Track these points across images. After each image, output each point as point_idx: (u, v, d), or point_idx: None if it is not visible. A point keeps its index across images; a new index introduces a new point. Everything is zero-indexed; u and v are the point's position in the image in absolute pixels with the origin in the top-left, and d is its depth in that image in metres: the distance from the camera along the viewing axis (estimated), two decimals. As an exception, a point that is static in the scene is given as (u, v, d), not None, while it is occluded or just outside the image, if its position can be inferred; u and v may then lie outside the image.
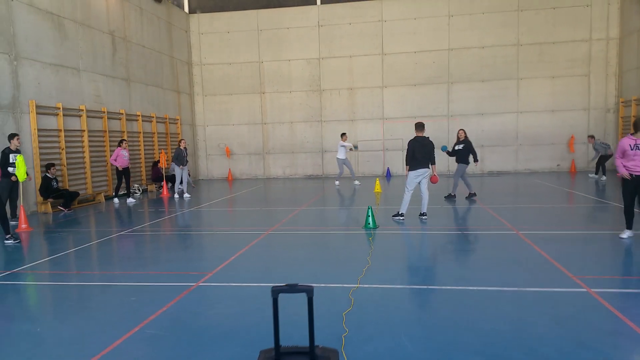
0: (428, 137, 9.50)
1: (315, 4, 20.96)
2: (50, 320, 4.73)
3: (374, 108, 20.93)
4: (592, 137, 17.35)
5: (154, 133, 18.30)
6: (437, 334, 4.03)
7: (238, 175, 22.07)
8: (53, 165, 12.40)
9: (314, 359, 2.11)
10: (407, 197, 9.41)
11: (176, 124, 20.30)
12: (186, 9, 21.93)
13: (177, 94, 20.61)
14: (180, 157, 14.84)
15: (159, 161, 17.14)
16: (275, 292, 2.19)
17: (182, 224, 10.52)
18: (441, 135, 19.41)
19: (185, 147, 15.26)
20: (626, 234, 7.32)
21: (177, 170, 15.07)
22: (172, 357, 3.74)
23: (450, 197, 12.26)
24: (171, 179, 16.99)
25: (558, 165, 19.81)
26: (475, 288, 5.20)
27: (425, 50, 20.25)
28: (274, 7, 21.25)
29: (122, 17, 16.59)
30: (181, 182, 14.98)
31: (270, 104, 21.63)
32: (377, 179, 15.99)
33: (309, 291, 2.13)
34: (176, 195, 15.01)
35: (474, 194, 12.21)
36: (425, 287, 5.37)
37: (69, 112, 13.65)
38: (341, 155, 16.64)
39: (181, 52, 21.14)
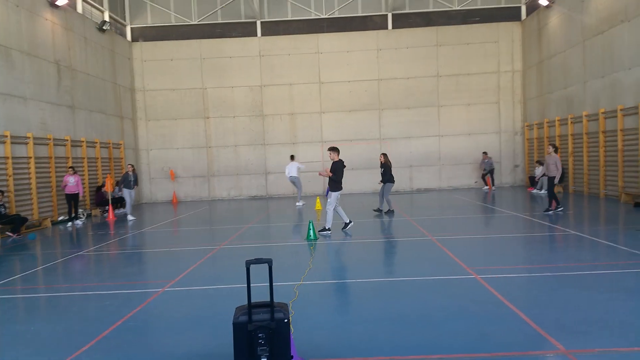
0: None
1: (256, 35, 22.41)
2: (40, 323, 5.59)
3: (314, 132, 22.50)
4: (485, 153, 20.79)
5: (98, 158, 18.72)
6: (363, 309, 5.37)
7: (183, 198, 22.71)
8: (1, 192, 12.73)
9: (273, 307, 3.34)
10: (332, 214, 10.61)
11: (119, 148, 20.76)
12: (129, 37, 22.62)
13: (120, 119, 21.13)
14: (126, 181, 15.55)
15: (103, 185, 17.58)
16: (248, 263, 3.41)
17: (136, 244, 11.30)
18: (374, 156, 21.20)
19: (132, 171, 15.89)
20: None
21: (126, 193, 15.69)
22: (158, 341, 4.79)
23: (389, 212, 13.79)
24: (117, 202, 17.51)
25: (475, 182, 22.19)
26: (394, 279, 6.63)
27: (358, 80, 22.19)
28: (216, 38, 22.46)
29: (67, 47, 17.12)
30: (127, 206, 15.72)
31: (215, 128, 22.63)
32: (318, 197, 17.39)
33: (269, 261, 3.37)
34: (130, 217, 15.54)
35: (385, 211, 13.84)
36: (356, 280, 6.73)
37: (16, 140, 14.00)
38: (295, 173, 17.48)
39: (124, 79, 21.74)
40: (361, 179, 21.81)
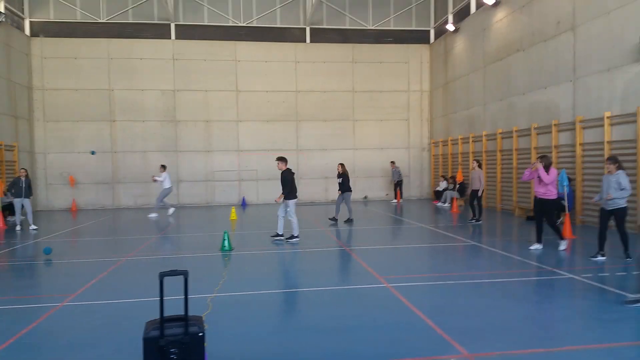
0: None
1: (170, 38, 21.66)
2: None
3: (230, 140, 22.11)
4: (393, 162, 22.05)
5: (-13, 160, 16.90)
6: (278, 320, 5.33)
7: (83, 206, 21.15)
8: None
9: (187, 321, 3.20)
10: (296, 220, 10.76)
11: (12, 151, 18.90)
12: (27, 32, 20.80)
13: (14, 119, 19.27)
14: (15, 187, 14.06)
15: (-8, 191, 15.86)
16: (161, 275, 3.24)
17: (29, 255, 10.30)
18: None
19: (25, 177, 14.41)
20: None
21: (16, 201, 14.22)
22: (60, 357, 4.39)
23: (349, 221, 13.97)
24: (7, 209, 15.88)
25: (387, 194, 23.12)
26: (308, 289, 6.68)
27: (276, 90, 22.24)
28: (126, 38, 21.37)
29: (-48, 35, 15.34)
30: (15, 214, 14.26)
31: (122, 133, 21.41)
32: (233, 207, 17.06)
33: (185, 273, 3.23)
34: (17, 227, 14.15)
35: (345, 220, 14.06)
36: (270, 291, 6.68)
37: None
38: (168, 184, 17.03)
39: (21, 76, 19.91)
40: (277, 190, 21.75)
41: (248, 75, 22.05)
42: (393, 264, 8.56)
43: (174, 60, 21.61)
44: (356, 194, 22.92)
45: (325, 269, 8.23)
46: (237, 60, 22.00)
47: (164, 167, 17.45)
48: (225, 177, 22.13)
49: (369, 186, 23.04)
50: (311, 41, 22.60)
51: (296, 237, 10.75)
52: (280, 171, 10.92)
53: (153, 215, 16.92)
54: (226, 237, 9.84)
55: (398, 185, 21.67)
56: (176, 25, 21.79)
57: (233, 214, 16.05)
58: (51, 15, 21.09)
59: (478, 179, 13.54)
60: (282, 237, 10.97)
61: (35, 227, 14.06)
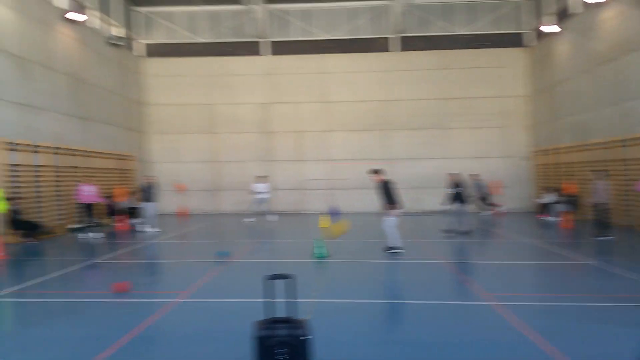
0: None
1: (263, 54, 22.88)
2: (60, 327, 5.68)
3: (320, 150, 22.73)
4: (474, 175, 19.43)
5: (109, 169, 18.92)
6: (379, 331, 5.44)
7: (190, 211, 22.81)
8: (16, 199, 12.90)
9: (295, 323, 3.44)
10: (397, 232, 10.34)
11: (130, 160, 20.98)
12: (140, 53, 23.05)
13: (131, 132, 21.41)
14: (145, 192, 15.38)
15: (112, 195, 17.69)
16: (268, 278, 3.52)
17: (148, 255, 11.39)
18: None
19: (149, 183, 15.59)
20: None
21: (146, 205, 15.43)
22: (174, 353, 4.88)
23: (466, 233, 13.31)
24: (129, 212, 17.54)
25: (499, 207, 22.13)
26: (406, 302, 6.72)
27: (365, 100, 22.51)
28: (224, 55, 22.91)
29: (81, 60, 17.47)
30: (143, 217, 15.41)
31: (223, 144, 22.90)
32: (324, 215, 17.43)
33: (291, 277, 3.48)
34: (150, 229, 15.14)
35: (463, 232, 13.28)
36: (370, 301, 6.81)
37: (30, 149, 14.19)
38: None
39: (135, 93, 22.11)
40: (367, 199, 21.84)
41: (336, 87, 22.61)
42: (500, 281, 8.07)
43: (267, 75, 22.77)
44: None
45: (426, 282, 8.02)
46: (325, 72, 22.64)
47: (260, 177, 18.38)
48: (317, 186, 22.71)
49: (463, 196, 22.29)
50: (399, 50, 22.58)
51: (398, 248, 10.34)
52: (380, 182, 10.34)
53: (272, 218, 18.28)
54: (320, 245, 10.12)
55: (484, 198, 19.93)
56: (268, 42, 22.97)
57: (325, 222, 16.40)
58: (160, 37, 23.20)
59: (604, 191, 12.21)
60: (396, 250, 10.40)
61: (155, 230, 15.21)
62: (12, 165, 13.32)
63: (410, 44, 22.62)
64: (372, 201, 21.61)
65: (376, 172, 10.55)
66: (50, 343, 5.15)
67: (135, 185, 20.71)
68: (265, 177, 18.70)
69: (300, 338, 3.39)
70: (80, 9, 17.67)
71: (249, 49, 23.03)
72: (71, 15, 16.64)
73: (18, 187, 13.54)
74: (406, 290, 7.62)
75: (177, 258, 10.80)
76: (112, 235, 15.04)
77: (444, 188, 13.93)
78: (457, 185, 13.49)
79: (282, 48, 22.98)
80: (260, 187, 18.43)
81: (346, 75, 22.55)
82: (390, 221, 10.33)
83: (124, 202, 17.16)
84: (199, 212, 22.86)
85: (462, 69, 22.19)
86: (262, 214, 18.68)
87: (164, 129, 23.02)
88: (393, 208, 10.26)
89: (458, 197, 13.40)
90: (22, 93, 14.11)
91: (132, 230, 15.79)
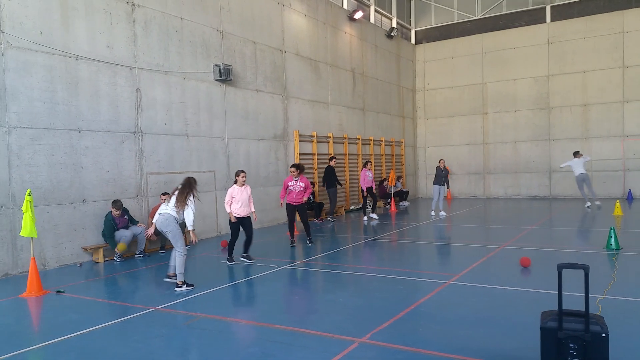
0: None
1: (545, 22, 20.59)
2: (346, 296, 6.50)
3: (612, 125, 19.33)
4: None
5: (382, 155, 20.48)
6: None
7: (457, 195, 22.77)
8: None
9: (589, 318, 3.04)
10: None
11: (400, 146, 22.23)
12: (413, 40, 23.92)
13: (402, 119, 22.58)
14: (437, 177, 15.42)
15: (386, 179, 19.10)
16: (560, 267, 3.20)
17: (415, 235, 11.95)
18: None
19: (443, 167, 15.54)
20: None
21: (435, 189, 15.56)
22: (450, 331, 4.98)
23: None
24: (398, 195, 18.73)
25: None
26: None
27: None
28: (499, 30, 21.62)
29: (360, 56, 19.27)
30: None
31: (493, 124, 21.88)
32: (617, 201, 14.85)
33: (585, 268, 3.08)
34: (432, 213, 15.48)
35: None
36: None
37: (320, 140, 16.55)
38: (579, 170, 15.52)
39: (407, 80, 23.12)
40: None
41: (637, 47, 18.63)
42: None
43: (549, 44, 20.44)
44: None
45: None
46: (624, 31, 18.90)
47: (575, 153, 16.18)
48: (606, 167, 19.46)
49: None
50: None
51: None
52: None
53: (592, 204, 15.86)
54: (613, 235, 8.69)
55: None
56: (552, 7, 20.54)
57: (617, 208, 13.96)
58: (432, 21, 23.53)
59: None
60: None
61: (444, 214, 15.32)
62: (303, 154, 15.70)
63: None
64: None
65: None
66: (337, 309, 5.92)
67: (404, 170, 21.92)
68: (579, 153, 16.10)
69: (595, 334, 2.98)
70: (362, 7, 19.41)
71: (527, 18, 21.16)
72: (355, 15, 18.51)
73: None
74: None
75: (450, 242, 10.94)
76: (383, 216, 16.26)
77: None
78: None
79: (566, 12, 20.30)
80: (578, 163, 15.65)
81: (648, 31, 18.43)
82: None
83: (394, 186, 18.29)
84: (469, 195, 22.53)
85: None
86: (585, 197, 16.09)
87: (433, 113, 23.44)
88: None
89: None
90: (314, 91, 16.49)
91: (401, 212, 16.70)
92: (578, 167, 15.68)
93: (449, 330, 4.90)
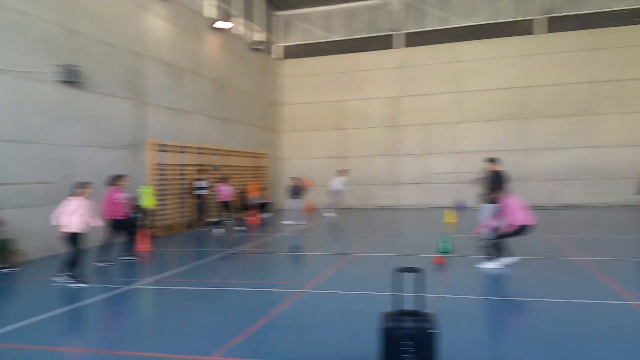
0: None
1: (395, 47, 22.78)
2: (198, 313, 6.35)
3: (449, 143, 22.04)
4: None
5: (245, 166, 20.46)
6: (506, 327, 5.16)
7: (318, 206, 23.67)
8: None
9: (422, 316, 3.43)
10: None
11: (264, 158, 22.44)
12: (279, 55, 24.51)
13: (266, 131, 22.91)
14: (292, 192, 16.55)
15: (246, 191, 19.01)
16: (397, 270, 3.56)
17: (280, 246, 12.16)
18: (517, 168, 19.83)
19: (296, 184, 16.69)
20: None
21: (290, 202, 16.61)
22: (301, 340, 5.17)
23: None
24: (260, 207, 18.81)
25: None
26: (534, 299, 6.26)
27: (500, 88, 21.25)
28: (357, 52, 23.31)
29: (225, 66, 19.10)
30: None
31: (351, 139, 23.41)
32: (448, 210, 16.74)
33: (420, 270, 3.48)
34: (290, 222, 16.17)
35: None
36: (496, 298, 6.47)
37: (179, 150, 15.90)
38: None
39: (272, 93, 23.61)
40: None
41: (471, 75, 21.69)
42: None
43: (399, 68, 22.62)
44: (593, 198, 20.17)
45: (557, 281, 7.49)
46: (459, 61, 21.81)
47: (342, 171, 18.89)
48: (443, 180, 22.06)
49: (609, 190, 19.95)
50: (543, 32, 20.89)
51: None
52: (493, 171, 9.98)
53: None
54: (446, 240, 9.86)
55: None
56: (401, 34, 22.83)
57: (449, 216, 15.85)
58: (297, 39, 24.40)
59: None
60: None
61: (301, 223, 16.00)
62: (161, 164, 14.92)
63: (558, 24, 20.79)
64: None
65: (492, 160, 10.27)
66: (190, 327, 5.76)
67: (267, 181, 22.14)
68: (346, 170, 19.14)
69: (427, 331, 3.38)
70: (227, 17, 19.23)
71: (382, 43, 23.18)
72: (219, 24, 18.24)
73: (164, 185, 15.05)
74: (533, 288, 7.02)
75: (303, 251, 11.33)
76: (244, 228, 16.25)
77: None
78: None
79: (415, 40, 22.70)
80: (338, 181, 18.74)
81: (482, 62, 21.54)
82: (487, 209, 9.61)
83: (256, 197, 18.41)
84: (324, 206, 23.55)
85: (615, 49, 19.82)
86: (330, 208, 18.73)
87: (295, 126, 24.23)
88: (497, 198, 9.33)
89: None
90: (173, 98, 15.87)
91: (263, 224, 16.88)
92: (337, 184, 18.50)
93: (303, 339, 5.09)
